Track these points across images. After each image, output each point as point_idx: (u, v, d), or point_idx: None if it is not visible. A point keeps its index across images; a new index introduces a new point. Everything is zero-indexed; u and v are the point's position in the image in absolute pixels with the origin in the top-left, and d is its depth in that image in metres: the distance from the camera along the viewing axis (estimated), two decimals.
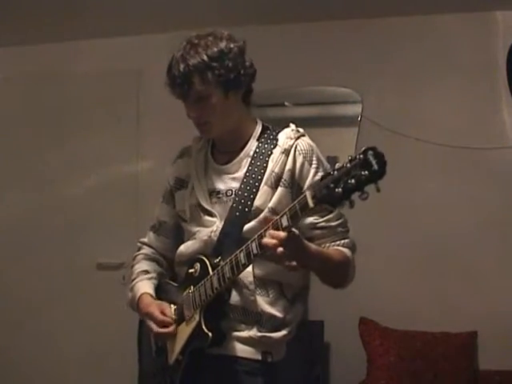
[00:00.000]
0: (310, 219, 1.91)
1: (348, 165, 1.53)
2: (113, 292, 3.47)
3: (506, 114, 3.58)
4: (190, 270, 1.98)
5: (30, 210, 4.15)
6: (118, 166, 4.10)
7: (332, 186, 1.54)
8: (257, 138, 2.01)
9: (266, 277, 1.92)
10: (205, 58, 1.89)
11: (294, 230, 1.71)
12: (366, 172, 1.50)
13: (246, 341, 1.93)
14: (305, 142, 1.97)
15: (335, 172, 1.55)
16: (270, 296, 1.94)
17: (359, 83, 3.71)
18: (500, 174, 3.54)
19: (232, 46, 1.93)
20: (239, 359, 1.93)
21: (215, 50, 1.90)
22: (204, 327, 1.88)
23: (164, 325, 1.97)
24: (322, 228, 1.93)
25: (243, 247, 1.79)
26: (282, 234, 1.67)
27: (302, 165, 1.94)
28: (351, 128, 3.80)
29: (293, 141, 1.96)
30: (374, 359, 3.42)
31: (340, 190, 1.53)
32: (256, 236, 1.75)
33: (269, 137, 2.00)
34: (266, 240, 1.69)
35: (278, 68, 3.71)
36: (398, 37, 3.71)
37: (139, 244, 2.23)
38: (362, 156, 1.51)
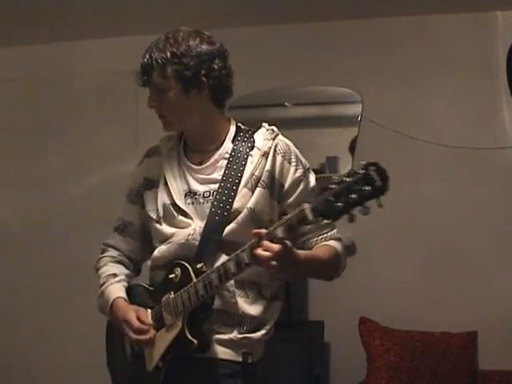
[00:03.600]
0: (285, 218, 1.88)
1: (349, 179, 1.54)
2: None
3: (506, 114, 3.58)
4: (170, 276, 1.93)
5: (29, 210, 4.14)
6: (117, 165, 4.08)
7: (332, 199, 1.55)
8: (232, 139, 2.00)
9: (245, 278, 1.90)
10: (168, 53, 1.91)
11: (287, 242, 1.70)
12: (369, 187, 1.52)
13: (226, 343, 1.91)
14: (282, 142, 1.98)
15: (336, 186, 1.56)
16: (250, 297, 1.93)
17: (359, 83, 3.71)
18: (500, 174, 3.54)
19: (203, 46, 1.93)
20: (220, 361, 1.90)
21: (181, 46, 1.91)
22: (188, 334, 1.86)
23: (141, 331, 1.92)
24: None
25: (233, 256, 1.77)
26: (277, 247, 1.67)
27: (282, 164, 1.94)
28: (351, 128, 3.80)
29: (271, 142, 1.96)
30: (374, 359, 3.42)
31: (341, 204, 1.54)
32: (247, 246, 1.73)
33: (243, 138, 2.00)
34: (260, 252, 1.69)
35: (278, 68, 3.71)
36: (398, 37, 3.71)
37: (103, 246, 2.18)
38: (364, 171, 1.52)
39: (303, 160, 1.99)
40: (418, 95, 3.67)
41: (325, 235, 1.96)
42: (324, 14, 3.70)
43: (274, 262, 1.68)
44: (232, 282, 1.88)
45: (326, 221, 1.85)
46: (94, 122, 4.11)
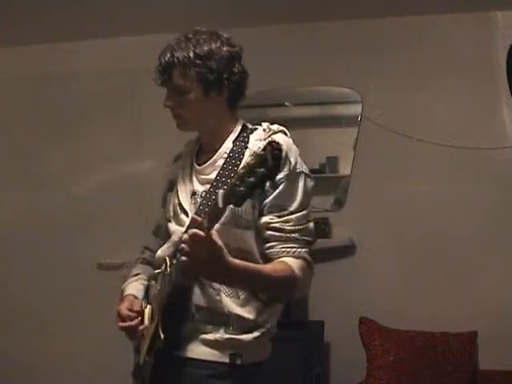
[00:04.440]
0: (266, 218, 1.85)
1: (251, 162, 1.51)
2: (114, 292, 3.46)
3: (505, 114, 3.58)
4: (157, 271, 1.98)
5: (30, 210, 4.15)
6: (118, 166, 4.10)
7: (238, 183, 1.52)
8: (233, 139, 1.99)
9: None
10: (191, 54, 1.89)
11: (213, 234, 1.65)
12: (263, 169, 1.48)
13: (211, 343, 1.87)
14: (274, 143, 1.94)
15: (240, 170, 1.53)
16: (241, 297, 1.88)
17: (359, 83, 3.71)
18: (500, 173, 3.54)
19: (224, 49, 1.92)
20: (205, 363, 1.87)
21: (204, 48, 1.90)
22: (159, 329, 1.86)
23: (129, 319, 1.95)
24: (275, 229, 1.84)
25: (179, 248, 1.74)
26: (195, 230, 1.63)
27: None
28: (351, 128, 3.80)
29: (261, 142, 1.86)
30: (374, 359, 3.42)
31: (243, 188, 1.51)
32: (182, 235, 1.74)
33: (243, 138, 1.98)
34: (185, 235, 1.67)
35: (278, 68, 3.71)
36: (398, 37, 3.71)
37: (142, 248, 2.24)
38: (261, 152, 1.49)
39: (293, 163, 1.87)
40: (418, 95, 3.67)
41: (288, 249, 1.85)
42: (324, 14, 3.70)
43: (184, 245, 1.64)
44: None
45: (308, 237, 1.86)
46: (94, 121, 4.11)
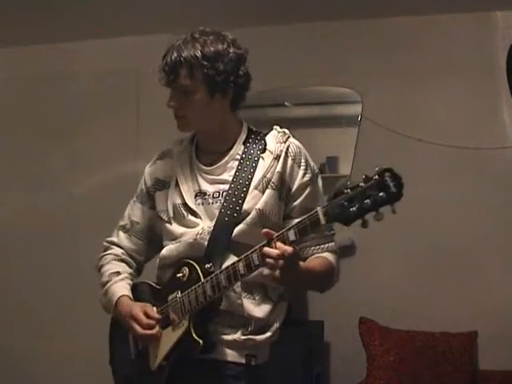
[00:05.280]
0: (297, 220, 1.85)
1: (363, 184, 1.56)
2: None
3: (506, 114, 3.58)
4: (178, 275, 1.93)
5: (30, 210, 4.15)
6: (117, 165, 4.10)
7: (346, 204, 1.57)
8: (243, 141, 2.00)
9: (252, 279, 1.88)
10: (198, 54, 1.88)
11: (296, 246, 1.71)
12: (383, 194, 1.54)
13: (230, 344, 1.90)
14: (294, 145, 1.97)
15: (349, 191, 1.57)
16: (256, 298, 1.92)
17: (359, 83, 3.71)
18: (500, 173, 3.54)
19: (231, 50, 1.91)
20: (223, 363, 1.90)
21: (212, 49, 1.89)
22: (194, 334, 1.85)
23: (149, 327, 1.92)
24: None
25: (242, 257, 1.77)
26: (289, 248, 1.68)
27: (292, 167, 1.94)
28: (351, 128, 3.80)
29: (283, 145, 1.95)
30: (374, 359, 3.42)
31: (355, 209, 1.56)
32: (258, 247, 1.73)
33: (255, 140, 1.99)
34: (271, 250, 1.69)
35: (278, 68, 3.71)
36: (398, 37, 3.71)
37: (106, 244, 2.18)
38: (378, 177, 1.54)
39: (312, 164, 1.98)
40: (418, 95, 3.67)
41: (322, 246, 1.95)
42: (324, 14, 3.70)
43: (282, 261, 1.68)
44: (238, 283, 1.87)
45: (331, 231, 1.95)
46: (94, 121, 4.11)
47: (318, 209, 1.63)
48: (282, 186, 1.93)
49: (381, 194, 1.54)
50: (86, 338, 3.93)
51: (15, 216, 4.16)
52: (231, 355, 1.90)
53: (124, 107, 4.08)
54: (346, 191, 1.58)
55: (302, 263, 1.80)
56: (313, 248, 1.94)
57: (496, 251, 3.52)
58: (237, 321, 1.90)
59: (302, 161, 1.96)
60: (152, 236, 2.11)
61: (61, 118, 4.16)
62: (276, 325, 1.97)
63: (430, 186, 3.61)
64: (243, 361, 1.91)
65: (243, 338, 1.90)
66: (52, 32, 3.96)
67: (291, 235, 1.68)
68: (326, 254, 1.95)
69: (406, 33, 3.70)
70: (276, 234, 1.71)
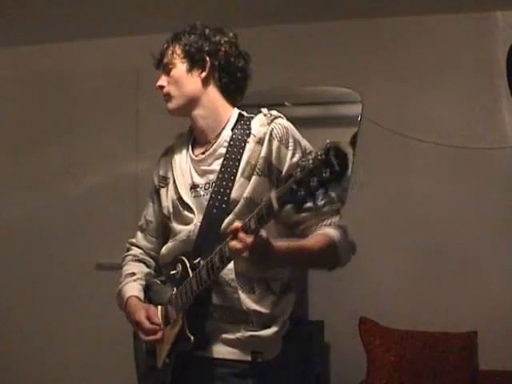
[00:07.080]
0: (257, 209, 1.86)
1: (311, 164, 1.50)
2: (112, 292, 3.46)
3: (506, 114, 3.58)
4: (172, 272, 1.95)
5: (28, 210, 4.14)
6: (117, 165, 4.10)
7: (295, 187, 1.52)
8: (232, 127, 1.97)
9: (249, 273, 1.87)
10: (180, 33, 2.00)
11: (262, 232, 1.66)
12: (328, 173, 1.48)
13: (233, 342, 1.88)
14: (279, 125, 1.91)
15: (298, 173, 1.52)
16: (256, 293, 1.89)
17: (359, 83, 3.71)
18: (500, 173, 3.54)
19: (211, 30, 1.99)
20: (227, 362, 1.88)
21: (188, 28, 2.00)
22: (187, 330, 1.86)
23: (152, 332, 1.93)
24: (306, 210, 1.80)
25: (217, 250, 1.76)
26: (249, 238, 1.64)
27: (278, 149, 1.88)
28: (351, 128, 3.80)
29: (266, 127, 1.90)
30: (374, 359, 3.42)
31: (302, 192, 1.51)
32: (228, 239, 1.71)
33: (243, 125, 1.95)
34: (233, 243, 1.67)
35: (278, 68, 3.71)
36: (398, 37, 3.71)
37: (128, 245, 2.20)
38: (324, 156, 1.48)
39: (303, 143, 1.91)
40: (418, 95, 3.67)
41: (324, 222, 1.88)
42: (324, 14, 3.70)
43: (248, 252, 1.66)
44: (233, 276, 1.86)
45: (332, 206, 1.89)
46: (94, 121, 4.11)
47: (272, 194, 1.58)
48: (271, 171, 1.88)
49: (326, 173, 1.47)
50: (85, 338, 3.94)
51: (13, 216, 4.16)
52: (235, 353, 1.89)
53: (123, 107, 4.08)
54: (294, 173, 1.53)
55: (283, 244, 1.75)
56: (315, 228, 1.88)
57: (496, 251, 3.51)
58: (237, 316, 1.88)
59: (290, 141, 1.89)
60: (165, 233, 2.11)
61: (60, 118, 4.16)
62: (283, 318, 1.94)
63: (429, 185, 3.61)
64: (249, 358, 1.88)
65: (247, 334, 1.88)
66: (51, 32, 3.96)
67: (252, 224, 1.64)
68: (327, 230, 1.87)
69: (405, 33, 3.70)
70: (240, 225, 1.67)
